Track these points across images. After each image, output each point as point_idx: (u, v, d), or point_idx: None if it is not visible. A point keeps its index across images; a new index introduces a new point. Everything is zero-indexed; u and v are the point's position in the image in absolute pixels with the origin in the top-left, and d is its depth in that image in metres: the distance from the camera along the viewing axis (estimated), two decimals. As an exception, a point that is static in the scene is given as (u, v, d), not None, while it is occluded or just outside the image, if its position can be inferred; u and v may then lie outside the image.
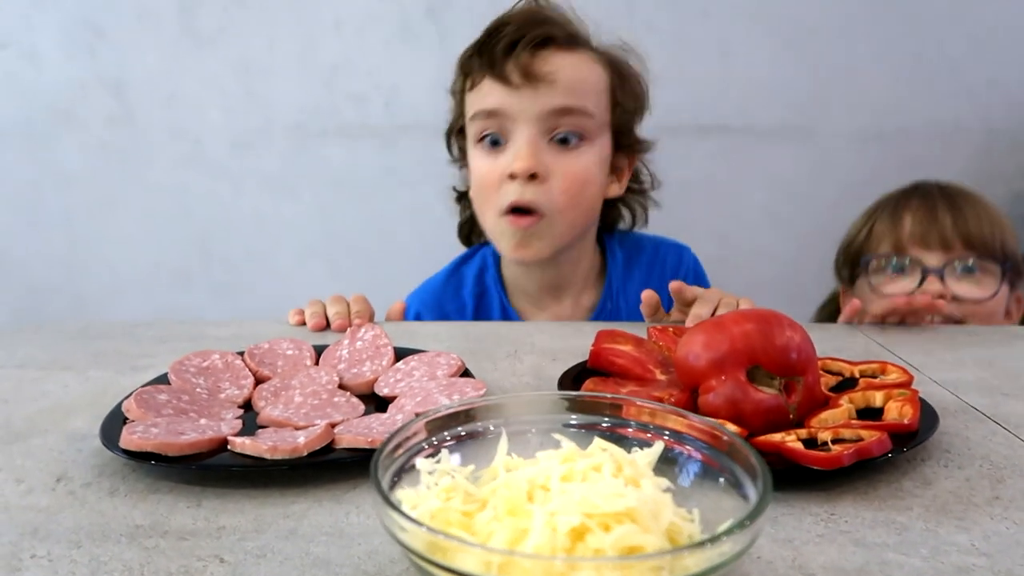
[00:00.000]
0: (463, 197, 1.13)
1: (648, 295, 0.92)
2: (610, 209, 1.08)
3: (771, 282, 1.30)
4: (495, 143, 0.95)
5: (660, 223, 1.56)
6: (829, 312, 1.26)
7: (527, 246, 0.96)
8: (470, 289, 1.09)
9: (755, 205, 1.61)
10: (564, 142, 0.94)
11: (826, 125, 1.58)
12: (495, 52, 0.92)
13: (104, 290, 1.69)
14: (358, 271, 1.65)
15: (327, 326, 0.88)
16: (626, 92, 1.00)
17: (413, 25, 1.58)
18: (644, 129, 1.07)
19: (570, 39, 0.96)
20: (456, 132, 1.06)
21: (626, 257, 1.09)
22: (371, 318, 0.91)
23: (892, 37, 1.55)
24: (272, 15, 1.58)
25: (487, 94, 0.94)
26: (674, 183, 1.62)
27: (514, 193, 0.93)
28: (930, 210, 1.05)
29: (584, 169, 0.95)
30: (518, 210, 0.93)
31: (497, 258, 1.10)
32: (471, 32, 1.56)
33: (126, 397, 0.56)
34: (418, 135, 1.62)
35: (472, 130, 0.97)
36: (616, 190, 1.04)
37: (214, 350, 0.67)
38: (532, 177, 0.92)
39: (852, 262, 1.14)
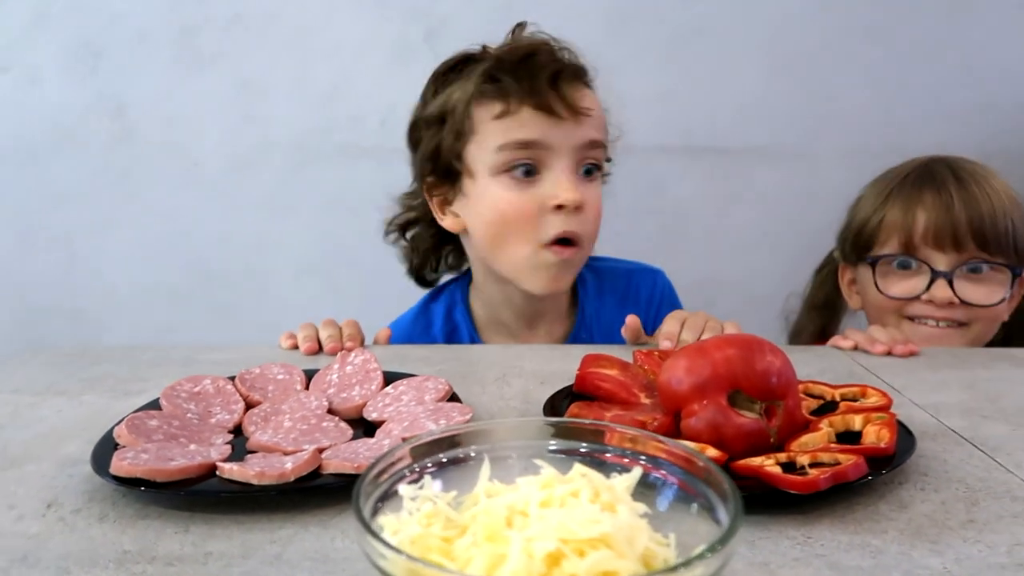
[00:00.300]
0: (405, 230, 1.13)
1: (631, 320, 0.94)
2: None
3: (763, 300, 1.30)
4: (529, 172, 0.92)
5: (655, 241, 1.58)
6: (823, 280, 1.24)
7: (563, 277, 0.96)
8: (440, 327, 1.09)
9: (747, 224, 1.63)
10: (588, 173, 0.95)
11: (816, 146, 1.60)
12: (538, 82, 0.90)
13: (103, 309, 1.70)
14: (356, 290, 1.66)
15: (320, 350, 0.89)
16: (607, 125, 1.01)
17: (411, 48, 1.60)
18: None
19: (585, 72, 0.97)
20: (453, 156, 0.96)
21: (597, 285, 1.10)
22: (362, 342, 0.92)
23: (880, 59, 1.57)
24: (271, 38, 1.60)
25: (525, 124, 0.91)
26: (667, 202, 1.64)
27: (561, 224, 0.92)
28: (945, 207, 1.02)
29: (600, 199, 0.98)
30: (562, 241, 0.93)
31: (465, 294, 1.10)
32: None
33: (118, 423, 0.57)
34: (413, 156, 1.64)
35: (499, 159, 0.92)
36: None
37: (206, 375, 0.68)
38: (578, 208, 0.92)
39: (860, 247, 1.12)
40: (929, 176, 1.07)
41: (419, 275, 1.14)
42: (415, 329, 1.10)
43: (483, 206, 0.95)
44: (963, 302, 1.02)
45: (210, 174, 1.65)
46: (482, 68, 0.94)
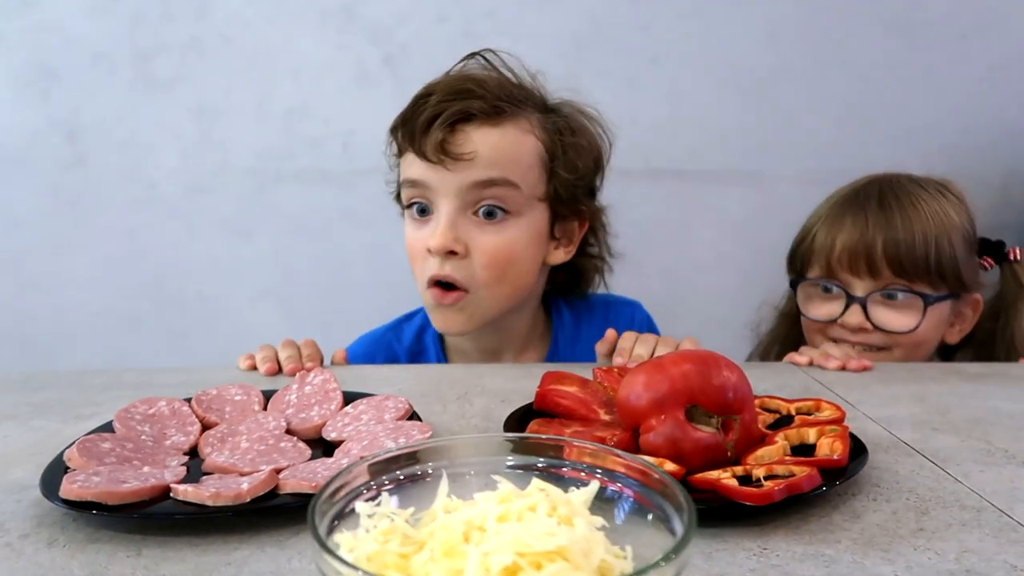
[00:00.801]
0: None
1: (610, 333, 0.96)
2: (558, 272, 1.07)
3: (720, 319, 1.32)
4: (423, 211, 0.95)
5: (615, 263, 1.59)
6: (788, 313, 1.25)
7: (450, 320, 0.96)
8: (407, 346, 1.09)
9: (705, 245, 1.66)
10: (490, 215, 0.93)
11: (771, 168, 1.64)
12: (415, 126, 0.92)
13: (53, 336, 1.66)
14: (314, 314, 1.65)
15: (279, 370, 0.88)
16: (567, 159, 0.97)
17: (370, 72, 1.60)
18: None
19: (496, 110, 0.92)
20: (397, 194, 1.05)
21: (574, 317, 1.10)
22: (321, 362, 0.91)
23: (833, 84, 1.61)
24: (229, 62, 1.59)
25: (410, 164, 0.94)
26: (627, 224, 1.66)
27: (433, 267, 0.93)
28: (860, 233, 1.03)
29: (508, 243, 0.93)
30: (441, 284, 0.93)
31: None
32: (427, 79, 1.59)
33: (68, 446, 0.56)
34: (375, 179, 1.63)
35: (403, 196, 0.98)
36: (562, 256, 1.02)
37: (161, 397, 0.67)
38: (451, 253, 0.91)
39: (794, 269, 1.14)
40: (855, 200, 1.08)
41: None
42: (380, 343, 1.10)
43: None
44: (877, 328, 1.03)
45: (166, 198, 1.63)
46: (398, 116, 0.98)
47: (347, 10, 1.58)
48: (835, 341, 1.07)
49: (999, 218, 1.62)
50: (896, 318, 1.04)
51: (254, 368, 0.89)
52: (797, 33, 1.60)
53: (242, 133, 1.61)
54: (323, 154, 1.63)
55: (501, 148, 0.92)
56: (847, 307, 1.04)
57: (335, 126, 1.62)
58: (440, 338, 1.09)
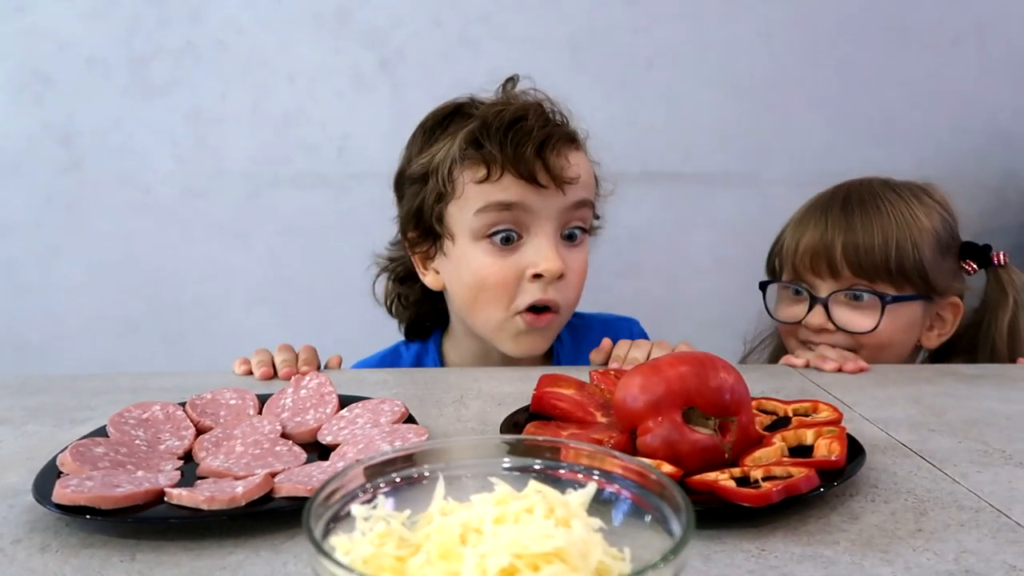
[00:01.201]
0: (403, 282, 1.10)
1: (605, 342, 0.97)
2: None
3: (716, 322, 1.32)
4: (507, 240, 0.91)
5: (612, 266, 1.59)
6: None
7: (539, 342, 0.96)
8: (407, 367, 1.09)
9: (701, 248, 1.66)
10: (570, 238, 0.95)
11: (768, 171, 1.64)
12: (522, 150, 0.88)
13: (49, 340, 1.66)
14: (309, 319, 1.64)
15: (275, 375, 0.87)
16: (598, 182, 1.01)
17: (366, 77, 1.60)
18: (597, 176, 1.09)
19: (576, 136, 0.96)
20: (434, 217, 0.96)
21: (572, 336, 1.10)
22: (319, 367, 0.91)
23: (828, 87, 1.62)
24: (224, 67, 1.59)
25: (507, 188, 0.90)
26: (624, 227, 1.66)
27: (538, 292, 0.92)
28: (822, 234, 1.04)
29: (585, 262, 0.97)
30: (538, 308, 0.93)
31: (439, 342, 1.10)
32: (422, 83, 1.61)
33: (61, 451, 0.56)
34: (370, 183, 1.63)
35: (480, 222, 0.91)
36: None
37: (155, 401, 0.67)
38: (559, 277, 0.92)
39: (770, 272, 1.15)
40: (822, 204, 1.09)
41: (410, 327, 1.12)
42: (381, 367, 1.09)
43: (462, 269, 0.94)
44: (839, 328, 1.03)
45: (161, 202, 1.63)
46: (467, 129, 0.92)
47: (342, 15, 1.58)
48: (804, 344, 1.08)
49: (995, 220, 1.62)
50: (856, 318, 1.03)
51: (250, 373, 0.89)
52: (792, 36, 1.61)
53: (237, 137, 1.61)
54: (319, 158, 1.62)
55: (587, 170, 0.96)
56: (811, 308, 1.05)
57: (331, 130, 1.62)
58: (442, 362, 1.09)
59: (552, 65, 1.62)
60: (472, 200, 0.91)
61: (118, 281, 1.65)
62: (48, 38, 1.56)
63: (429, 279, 1.01)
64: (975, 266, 1.11)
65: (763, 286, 1.14)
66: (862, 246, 1.02)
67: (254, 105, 1.60)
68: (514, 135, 0.89)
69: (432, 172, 0.95)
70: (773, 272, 1.14)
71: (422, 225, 0.97)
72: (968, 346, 1.12)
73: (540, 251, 0.91)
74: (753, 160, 1.64)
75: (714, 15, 1.60)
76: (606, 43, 1.60)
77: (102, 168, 1.61)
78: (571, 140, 0.94)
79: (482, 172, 0.90)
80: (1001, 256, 1.11)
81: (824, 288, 1.05)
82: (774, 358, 1.22)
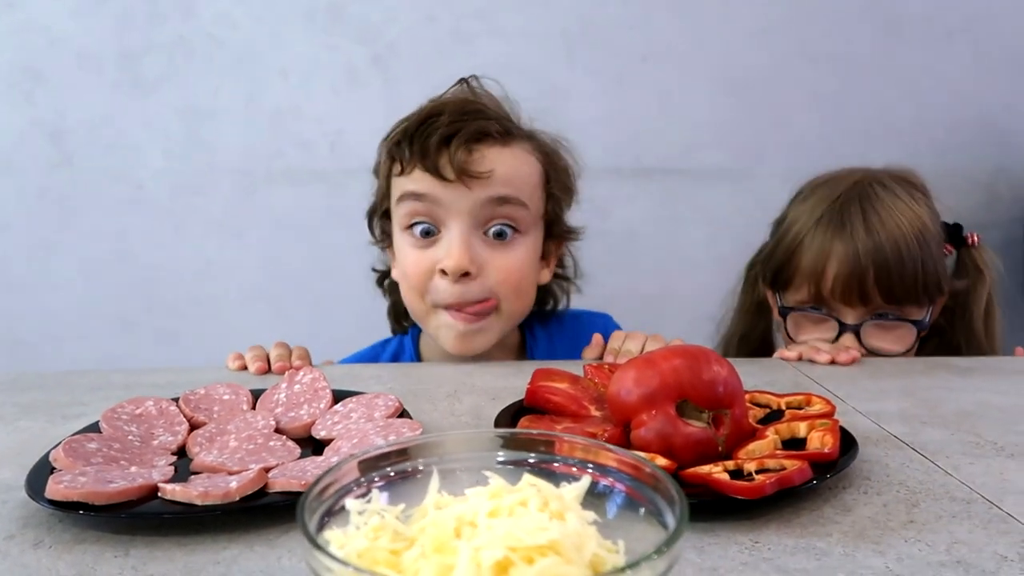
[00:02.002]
0: (384, 278, 1.11)
1: (596, 338, 0.96)
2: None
3: (710, 317, 1.32)
4: (427, 233, 0.93)
5: (605, 262, 1.59)
6: (752, 285, 1.22)
7: (473, 339, 0.94)
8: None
9: (694, 243, 1.66)
10: (500, 236, 0.93)
11: (762, 166, 1.64)
12: (428, 144, 0.90)
13: (41, 338, 1.65)
14: (304, 315, 1.64)
15: (268, 370, 0.87)
16: (558, 182, 0.99)
17: (359, 72, 1.60)
18: (590, 170, 1.08)
19: (505, 132, 0.94)
20: (380, 214, 1.02)
21: (547, 333, 1.09)
22: (310, 363, 0.91)
23: (821, 82, 1.62)
24: (216, 62, 1.58)
25: (417, 180, 0.91)
26: (617, 222, 1.66)
27: (447, 289, 0.91)
28: (852, 262, 1.00)
29: (519, 262, 0.94)
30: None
31: (415, 342, 1.10)
32: (416, 79, 1.60)
33: (54, 446, 0.56)
34: (364, 179, 1.62)
35: (400, 212, 0.94)
36: (546, 276, 1.03)
37: (148, 397, 0.66)
38: (465, 275, 0.91)
39: (776, 283, 1.11)
40: (841, 218, 1.05)
41: (399, 322, 1.14)
42: (367, 359, 1.10)
43: (398, 261, 0.98)
44: (870, 352, 1.02)
45: (153, 199, 1.62)
46: (395, 129, 0.96)
47: (335, 10, 1.57)
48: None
49: (986, 215, 1.63)
50: (888, 343, 1.03)
51: (243, 368, 0.89)
52: (787, 32, 1.61)
53: (230, 133, 1.61)
54: (312, 154, 1.62)
55: (513, 167, 0.93)
56: (840, 334, 1.03)
57: (324, 126, 1.61)
58: (419, 359, 1.09)
59: (546, 60, 1.63)
60: (394, 193, 0.95)
61: (111, 278, 1.64)
62: (39, 34, 1.55)
63: (394, 274, 1.03)
64: (950, 247, 1.11)
65: (783, 314, 1.09)
66: (894, 269, 1.00)
67: (247, 101, 1.60)
68: (422, 130, 0.91)
69: (377, 173, 1.02)
70: (777, 278, 1.11)
71: (379, 221, 1.03)
72: (946, 326, 1.12)
73: (448, 246, 0.91)
74: (747, 155, 1.65)
75: (709, 10, 1.60)
76: (600, 38, 1.60)
77: (94, 164, 1.60)
78: (485, 135, 0.92)
79: (397, 167, 0.94)
80: (974, 237, 1.11)
81: (851, 315, 1.03)
82: (747, 339, 1.21)
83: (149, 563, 0.45)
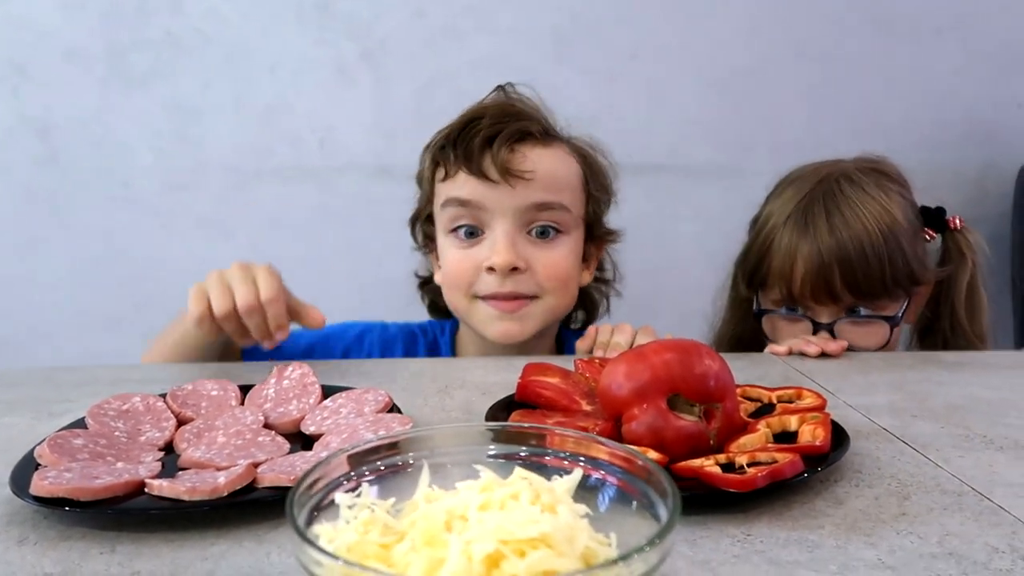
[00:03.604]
0: (426, 283, 1.14)
1: (591, 330, 0.96)
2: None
3: (700, 314, 1.32)
4: (471, 234, 0.95)
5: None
6: (738, 313, 1.23)
7: (514, 326, 0.95)
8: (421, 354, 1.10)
9: (685, 240, 1.66)
10: (543, 234, 0.95)
11: (751, 163, 1.64)
12: (472, 146, 0.92)
13: (28, 336, 1.64)
14: (293, 313, 1.63)
15: (235, 314, 0.80)
16: (597, 183, 1.02)
17: (348, 68, 1.59)
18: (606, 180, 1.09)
19: (545, 133, 0.97)
20: (423, 219, 1.05)
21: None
22: (286, 317, 0.83)
23: (811, 79, 1.62)
24: (205, 58, 1.57)
25: (461, 185, 0.94)
26: (609, 219, 1.66)
27: (494, 285, 0.93)
28: (818, 262, 1.01)
29: (563, 259, 0.97)
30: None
31: (452, 339, 1.11)
32: (406, 75, 1.60)
33: (40, 443, 0.55)
34: (354, 176, 1.63)
35: (444, 217, 0.97)
36: (587, 278, 1.06)
37: (135, 393, 0.66)
38: (514, 270, 0.93)
39: (750, 283, 1.12)
40: (805, 219, 1.05)
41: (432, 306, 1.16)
42: (406, 336, 1.10)
43: (443, 262, 1.00)
44: (847, 349, 1.01)
45: (142, 196, 1.61)
46: (438, 135, 0.99)
47: (324, 5, 1.56)
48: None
49: (974, 210, 1.63)
50: (864, 338, 1.03)
51: (209, 311, 0.80)
52: (776, 29, 1.61)
53: (219, 130, 1.60)
54: (301, 151, 1.61)
55: (555, 169, 0.96)
56: (814, 333, 1.03)
57: (313, 123, 1.60)
58: (453, 349, 1.11)
59: (535, 57, 1.62)
60: (438, 199, 0.98)
61: (99, 276, 1.63)
62: (24, 28, 1.53)
63: (437, 276, 1.05)
64: (932, 232, 1.11)
65: (758, 316, 1.11)
66: (860, 272, 1.01)
67: (235, 97, 1.59)
68: (465, 133, 0.94)
69: (420, 179, 1.04)
70: (753, 278, 1.11)
71: (423, 226, 1.06)
72: (930, 311, 1.12)
73: (493, 245, 0.93)
74: (737, 152, 1.65)
75: (698, 7, 1.60)
76: (590, 35, 1.60)
77: (81, 161, 1.59)
78: (528, 135, 0.95)
79: (441, 172, 0.97)
80: (957, 220, 1.11)
81: (825, 314, 1.04)
82: (739, 341, 1.21)
83: (136, 559, 0.44)
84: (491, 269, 0.93)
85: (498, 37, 1.58)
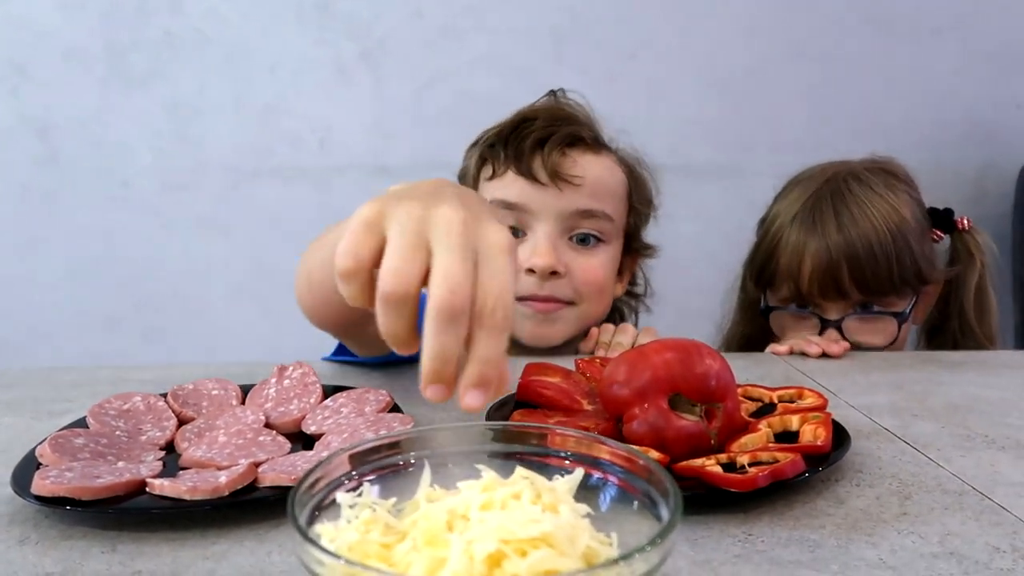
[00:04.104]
0: None
1: (593, 331, 0.97)
2: None
3: (700, 313, 1.32)
4: (515, 233, 0.95)
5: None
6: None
7: (545, 327, 0.95)
8: None
9: (684, 240, 1.65)
10: (583, 242, 0.96)
11: (751, 162, 1.64)
12: (523, 146, 0.93)
13: (27, 336, 1.64)
14: (291, 313, 1.62)
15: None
16: (640, 196, 1.03)
17: (347, 68, 1.59)
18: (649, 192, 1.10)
19: (596, 141, 0.99)
20: None
21: None
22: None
23: (810, 78, 1.62)
24: (204, 58, 1.57)
25: (508, 185, 0.94)
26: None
27: (532, 287, 0.93)
28: (826, 259, 1.02)
29: (601, 267, 0.97)
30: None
31: None
32: (405, 75, 1.60)
33: (40, 442, 0.55)
34: (352, 175, 1.63)
35: None
36: (620, 290, 1.06)
37: (136, 392, 0.66)
38: (552, 274, 0.93)
39: (759, 283, 1.13)
40: (813, 217, 1.06)
41: None
42: None
43: None
44: (854, 346, 1.01)
45: (140, 196, 1.61)
46: (487, 135, 0.99)
47: (324, 5, 1.56)
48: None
49: (974, 210, 1.62)
50: (871, 335, 1.04)
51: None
52: (775, 29, 1.61)
53: (218, 130, 1.60)
54: (300, 151, 1.61)
55: (602, 177, 0.96)
56: (823, 330, 1.04)
57: (312, 122, 1.60)
58: None
59: (535, 57, 1.62)
60: (484, 196, 0.96)
61: (97, 276, 1.63)
62: (24, 28, 1.54)
63: None
64: (940, 233, 1.11)
65: (766, 312, 1.11)
66: (868, 269, 1.01)
67: (235, 97, 1.59)
68: (517, 133, 0.95)
69: (464, 178, 1.03)
70: (760, 277, 1.11)
71: None
72: (939, 311, 1.12)
73: (535, 247, 0.93)
74: (736, 152, 1.65)
75: (697, 7, 1.60)
76: (589, 35, 1.60)
77: (80, 161, 1.59)
78: (579, 140, 0.96)
79: (489, 171, 0.97)
80: (965, 221, 1.12)
81: (833, 310, 1.04)
82: (749, 341, 1.21)
83: (137, 559, 0.44)
84: (531, 271, 0.93)
85: (497, 37, 1.58)
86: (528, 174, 0.93)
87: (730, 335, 1.24)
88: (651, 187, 1.07)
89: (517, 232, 0.95)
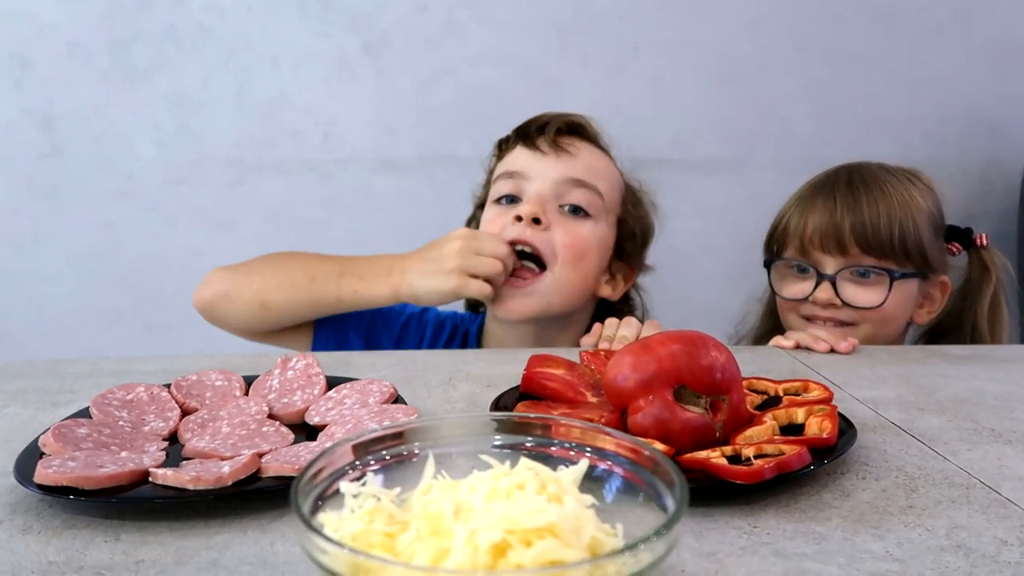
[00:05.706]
0: None
1: (596, 326, 0.97)
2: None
3: (704, 308, 1.32)
4: (511, 200, 1.03)
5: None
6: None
7: (519, 303, 1.00)
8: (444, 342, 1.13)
9: (688, 234, 1.65)
10: (573, 212, 1.02)
11: (754, 157, 1.64)
12: (531, 128, 1.06)
13: (29, 330, 1.63)
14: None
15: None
16: (637, 213, 1.11)
17: (350, 61, 1.59)
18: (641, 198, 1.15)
19: (597, 138, 1.09)
20: (478, 207, 1.14)
21: None
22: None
23: (814, 73, 1.62)
24: (207, 51, 1.57)
25: (514, 158, 1.05)
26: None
27: (516, 231, 0.99)
28: (830, 213, 1.06)
29: (587, 235, 1.02)
30: (518, 254, 0.99)
31: (479, 331, 1.13)
32: (408, 68, 1.59)
33: (44, 432, 0.55)
34: (355, 169, 1.62)
35: (493, 190, 1.06)
36: (608, 292, 1.09)
37: (139, 383, 0.65)
38: (536, 222, 0.99)
39: (770, 252, 1.16)
40: (826, 184, 1.11)
41: (471, 307, 1.21)
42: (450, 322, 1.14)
43: (480, 226, 1.07)
44: (845, 304, 1.06)
45: (143, 189, 1.61)
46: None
47: (327, -2, 1.56)
48: (807, 319, 1.09)
49: (979, 207, 1.63)
50: (863, 294, 1.06)
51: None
52: (779, 23, 1.60)
53: (221, 123, 1.59)
54: (303, 144, 1.61)
55: (598, 163, 1.06)
56: (818, 284, 1.06)
57: (315, 116, 1.60)
58: (478, 339, 1.13)
59: (538, 50, 1.62)
60: (496, 173, 1.08)
61: (100, 270, 1.63)
62: (27, 21, 1.53)
63: None
64: (959, 247, 1.14)
65: (768, 264, 1.15)
66: (870, 223, 1.04)
67: (238, 90, 1.58)
68: (529, 122, 1.07)
69: (488, 173, 1.13)
70: (772, 251, 1.15)
71: (476, 213, 1.15)
72: (952, 326, 1.14)
73: (525, 201, 1.01)
74: (739, 146, 1.64)
75: (701, 1, 1.59)
76: (593, 29, 1.60)
77: (83, 154, 1.59)
78: (584, 132, 1.07)
79: (499, 152, 1.09)
80: (983, 238, 1.14)
81: (831, 265, 1.06)
82: (763, 342, 1.21)
83: (140, 548, 0.44)
84: (518, 218, 0.99)
85: (500, 30, 1.58)
86: (532, 145, 1.03)
87: (758, 335, 1.25)
88: (651, 212, 1.14)
89: (515, 200, 1.03)
